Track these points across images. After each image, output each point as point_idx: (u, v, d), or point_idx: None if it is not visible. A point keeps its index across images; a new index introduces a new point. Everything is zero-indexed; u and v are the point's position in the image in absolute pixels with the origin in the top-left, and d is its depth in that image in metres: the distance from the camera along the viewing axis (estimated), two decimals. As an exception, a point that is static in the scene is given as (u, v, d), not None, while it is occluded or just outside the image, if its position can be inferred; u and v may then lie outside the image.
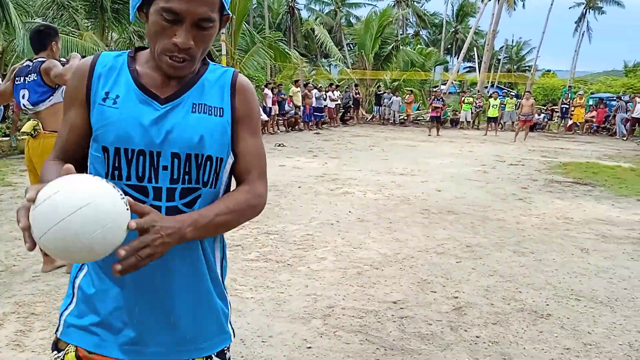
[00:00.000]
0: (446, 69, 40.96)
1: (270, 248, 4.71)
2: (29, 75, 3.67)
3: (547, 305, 3.66)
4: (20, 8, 12.46)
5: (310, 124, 19.20)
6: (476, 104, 22.61)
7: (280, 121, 18.13)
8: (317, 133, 17.71)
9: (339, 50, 31.51)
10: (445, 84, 27.85)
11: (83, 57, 5.88)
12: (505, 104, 21.02)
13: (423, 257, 4.63)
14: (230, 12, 1.26)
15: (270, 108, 16.70)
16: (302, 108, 18.59)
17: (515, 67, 51.82)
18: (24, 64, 3.80)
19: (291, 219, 5.82)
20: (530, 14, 40.13)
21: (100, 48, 13.67)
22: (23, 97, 3.69)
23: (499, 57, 43.37)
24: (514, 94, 24.38)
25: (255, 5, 33.15)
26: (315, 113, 19.31)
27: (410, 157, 11.91)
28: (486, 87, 30.02)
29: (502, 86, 35.65)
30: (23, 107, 3.73)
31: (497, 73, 35.18)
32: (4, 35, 11.90)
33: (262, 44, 18.28)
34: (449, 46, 47.86)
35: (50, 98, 3.67)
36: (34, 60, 3.73)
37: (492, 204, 7.06)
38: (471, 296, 3.78)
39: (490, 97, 21.46)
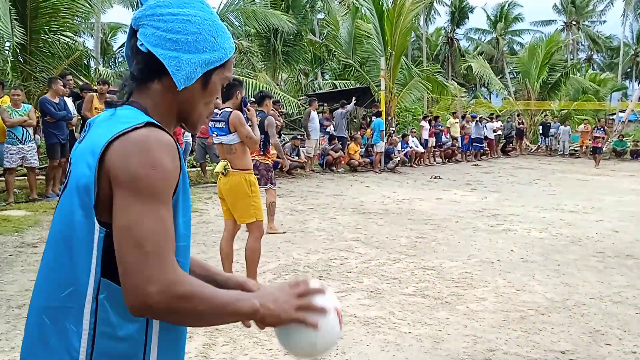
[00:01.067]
0: (625, 95, 36.92)
1: (427, 284, 4.72)
2: (219, 123, 4.25)
3: None
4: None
5: (468, 154, 18.72)
6: (663, 133, 20.02)
7: (437, 152, 17.98)
8: (475, 165, 17.18)
9: (501, 78, 30.36)
10: (624, 112, 25.12)
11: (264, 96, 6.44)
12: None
13: (596, 305, 4.26)
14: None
15: (425, 140, 16.70)
16: (459, 139, 18.24)
17: None
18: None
19: (448, 254, 5.76)
20: None
21: (271, 87, 15.02)
22: (217, 137, 4.33)
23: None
24: None
25: (413, 39, 33.58)
26: (474, 144, 18.81)
27: (582, 192, 10.98)
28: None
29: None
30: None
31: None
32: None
33: (420, 77, 18.43)
34: (628, 70, 43.18)
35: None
36: (221, 109, 4.30)
37: (683, 249, 6.20)
38: (655, 354, 3.39)
39: None
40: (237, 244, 4.65)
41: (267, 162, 6.25)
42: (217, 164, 4.40)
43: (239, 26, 14.88)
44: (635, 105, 25.48)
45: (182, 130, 9.52)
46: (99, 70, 14.41)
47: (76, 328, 1.02)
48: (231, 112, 4.23)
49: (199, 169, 11.25)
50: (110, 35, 28.61)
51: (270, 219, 6.42)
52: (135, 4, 22.55)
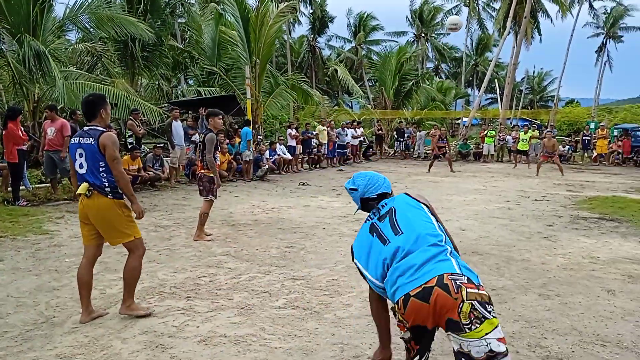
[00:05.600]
0: (467, 102, 41.09)
1: (297, 294, 4.81)
2: (86, 139, 4.02)
3: (573, 352, 3.68)
4: (54, 58, 13.05)
5: (333, 160, 19.47)
6: (499, 137, 22.63)
7: (304, 159, 18.43)
8: (340, 170, 17.92)
9: (360, 86, 32.06)
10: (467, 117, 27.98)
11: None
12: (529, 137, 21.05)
13: (448, 302, 4.67)
14: None
15: (293, 147, 17.04)
16: (324, 145, 18.90)
17: (537, 97, 51.70)
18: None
19: (316, 263, 5.93)
20: (549, 45, 40.32)
21: (130, 94, 14.25)
22: (80, 156, 4.04)
23: (521, 88, 43.49)
24: (536, 125, 24.33)
25: (277, 46, 34.07)
26: (338, 150, 19.62)
27: (433, 194, 11.95)
28: (509, 119, 30.03)
29: (526, 117, 35.60)
30: (77, 169, 4.07)
31: (519, 109, 35.01)
32: (40, 85, 12.53)
33: (285, 85, 18.77)
34: (470, 78, 48.18)
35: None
36: (89, 127, 4.08)
37: (517, 243, 7.06)
38: (496, 343, 3.81)
39: (514, 130, 21.60)
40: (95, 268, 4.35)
41: (211, 175, 6.80)
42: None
43: (92, 30, 13.88)
44: (476, 111, 28.49)
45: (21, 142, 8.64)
46: None
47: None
48: (103, 132, 4.00)
49: (48, 185, 10.30)
50: None
51: (199, 227, 6.96)
52: None
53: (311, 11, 42.59)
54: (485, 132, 22.54)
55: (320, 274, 5.50)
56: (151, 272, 5.39)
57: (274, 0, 17.06)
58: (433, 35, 47.44)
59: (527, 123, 25.86)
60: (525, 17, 27.32)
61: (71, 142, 4.14)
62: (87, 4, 13.20)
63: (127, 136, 11.87)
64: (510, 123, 28.40)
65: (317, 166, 18.63)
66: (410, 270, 2.47)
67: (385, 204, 2.91)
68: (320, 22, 43.17)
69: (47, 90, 12.51)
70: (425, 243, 2.57)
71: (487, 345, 2.33)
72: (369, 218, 2.93)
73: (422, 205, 2.88)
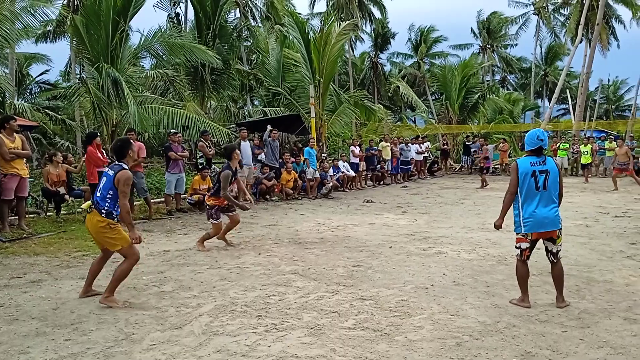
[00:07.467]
0: (537, 114, 39.55)
1: (366, 315, 4.76)
2: (111, 170, 5.05)
3: (669, 384, 3.40)
4: (130, 84, 13.83)
5: (397, 177, 19.28)
6: (573, 149, 21.59)
7: (368, 175, 18.36)
8: (404, 187, 17.70)
9: (424, 100, 31.67)
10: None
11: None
12: (605, 149, 19.98)
13: (525, 325, 4.47)
14: None
15: (356, 164, 17.03)
16: (388, 162, 18.77)
17: (613, 106, 49.04)
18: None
19: (384, 282, 5.85)
20: (623, 52, 38.26)
21: (200, 116, 14.82)
22: (101, 182, 5.10)
23: (595, 98, 41.40)
24: (613, 137, 22.99)
25: (339, 64, 34.40)
26: (401, 166, 19.42)
27: (504, 210, 11.52)
28: (582, 130, 28.62)
29: (602, 128, 33.77)
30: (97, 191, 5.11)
31: (593, 120, 33.28)
32: (117, 110, 13.28)
33: (348, 102, 18.87)
34: (540, 89, 46.45)
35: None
36: (116, 163, 5.10)
37: (597, 263, 6.67)
38: (581, 372, 3.59)
39: (574, 144, 20.75)
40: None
41: (211, 203, 7.56)
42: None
43: (164, 57, 14.64)
44: (547, 123, 27.37)
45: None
46: (14, 104, 13.62)
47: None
48: (122, 169, 4.98)
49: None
50: (25, 65, 27.19)
51: (201, 238, 7.82)
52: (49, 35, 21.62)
53: (373, 28, 42.75)
54: (558, 144, 21.59)
55: (389, 294, 5.41)
56: (223, 290, 5.51)
57: (336, 19, 17.28)
58: (500, 46, 46.25)
59: (603, 135, 24.53)
60: (598, 24, 26.11)
61: (104, 171, 5.20)
62: (160, 33, 13.96)
63: (197, 157, 12.31)
64: (584, 134, 27.06)
65: (381, 183, 18.50)
66: (538, 218, 4.86)
67: (545, 162, 4.89)
68: (382, 39, 43.24)
69: (124, 115, 13.24)
70: (550, 203, 4.86)
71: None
72: (531, 163, 4.88)
73: (558, 178, 4.92)
